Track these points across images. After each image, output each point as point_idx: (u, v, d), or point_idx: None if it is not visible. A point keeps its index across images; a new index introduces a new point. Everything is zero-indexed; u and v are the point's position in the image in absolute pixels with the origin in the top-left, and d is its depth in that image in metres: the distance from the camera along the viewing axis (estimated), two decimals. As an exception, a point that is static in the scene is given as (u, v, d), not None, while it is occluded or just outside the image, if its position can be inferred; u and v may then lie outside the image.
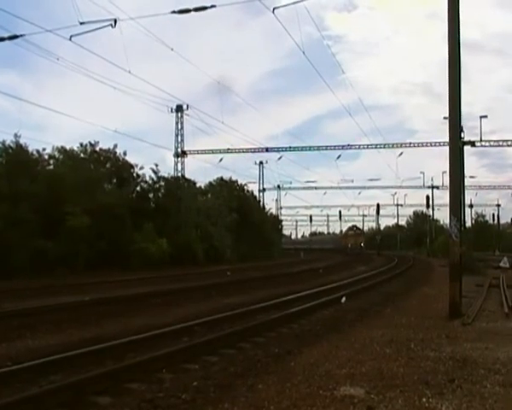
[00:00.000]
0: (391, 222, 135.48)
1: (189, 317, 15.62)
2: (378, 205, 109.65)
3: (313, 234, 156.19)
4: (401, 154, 61.35)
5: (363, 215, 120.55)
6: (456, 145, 16.69)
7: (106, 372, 8.93)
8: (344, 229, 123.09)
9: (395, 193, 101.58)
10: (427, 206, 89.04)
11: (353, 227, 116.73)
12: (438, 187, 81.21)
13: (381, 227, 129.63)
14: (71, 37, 23.40)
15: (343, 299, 20.49)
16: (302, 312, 17.14)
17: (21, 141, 43.82)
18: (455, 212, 16.32)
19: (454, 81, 16.27)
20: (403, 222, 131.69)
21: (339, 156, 62.49)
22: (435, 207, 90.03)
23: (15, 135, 43.58)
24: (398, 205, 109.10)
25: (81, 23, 22.24)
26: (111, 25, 21.75)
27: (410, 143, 60.73)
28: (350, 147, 62.44)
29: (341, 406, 7.28)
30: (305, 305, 18.39)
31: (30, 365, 9.40)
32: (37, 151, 46.17)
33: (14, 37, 23.91)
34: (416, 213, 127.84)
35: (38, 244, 38.09)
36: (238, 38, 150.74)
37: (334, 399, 7.60)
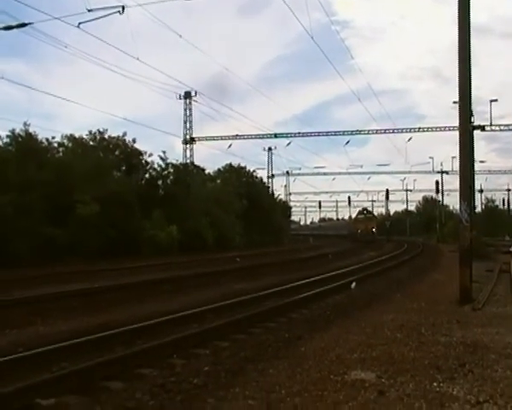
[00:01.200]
0: (400, 208, 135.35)
1: (199, 303, 15.63)
2: (387, 190, 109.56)
3: (322, 220, 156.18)
4: (410, 139, 61.30)
5: (373, 201, 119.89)
6: (466, 130, 16.60)
7: (117, 358, 8.97)
8: (354, 215, 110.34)
9: (404, 178, 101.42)
10: (437, 191, 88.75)
11: (364, 210, 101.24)
12: (447, 172, 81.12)
13: (391, 213, 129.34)
14: (79, 24, 23.38)
15: (353, 284, 20.47)
16: (312, 297, 17.14)
17: (31, 129, 44.03)
18: (465, 197, 16.25)
19: (464, 66, 16.16)
20: (412, 207, 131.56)
21: (348, 142, 62.64)
22: (445, 193, 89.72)
23: (25, 123, 43.78)
24: (407, 190, 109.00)
25: (89, 10, 22.25)
26: (119, 11, 21.72)
27: (420, 128, 60.69)
28: (359, 132, 62.43)
29: (352, 390, 7.28)
30: (315, 290, 18.38)
31: (41, 351, 9.44)
32: (47, 139, 46.32)
33: (22, 25, 23.89)
34: (425, 199, 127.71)
35: (48, 232, 38.19)
36: (246, 23, 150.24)
37: (345, 383, 7.60)
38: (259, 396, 7.04)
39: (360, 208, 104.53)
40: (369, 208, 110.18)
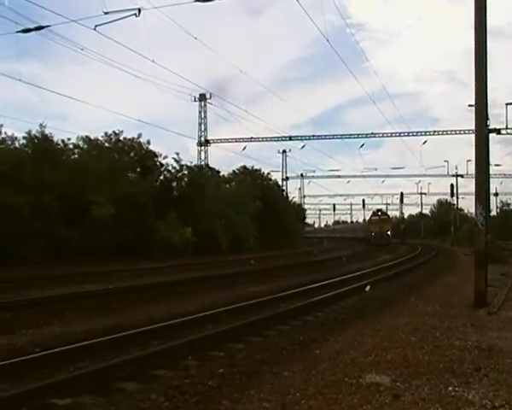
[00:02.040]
0: (414, 211, 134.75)
1: (214, 305, 15.65)
2: (402, 193, 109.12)
3: (336, 223, 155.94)
4: (425, 142, 60.96)
5: (387, 204, 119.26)
6: (482, 133, 16.52)
7: (132, 359, 9.01)
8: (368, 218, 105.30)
9: (419, 181, 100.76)
10: (452, 194, 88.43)
11: (378, 211, 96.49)
12: (462, 175, 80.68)
13: (405, 216, 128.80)
14: (95, 27, 23.50)
15: (367, 287, 20.44)
16: (326, 300, 17.13)
17: (46, 131, 44.33)
18: (480, 200, 16.17)
19: (480, 68, 16.08)
20: (426, 211, 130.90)
21: (362, 145, 62.27)
22: (459, 196, 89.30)
23: (41, 125, 44.10)
24: (421, 194, 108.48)
25: (105, 13, 22.33)
26: (135, 14, 21.79)
27: (434, 132, 60.28)
28: (373, 135, 62.14)
29: (367, 393, 7.27)
30: (330, 293, 18.38)
31: (57, 351, 9.51)
32: (62, 141, 46.65)
33: (40, 28, 24.06)
34: (439, 202, 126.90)
35: (63, 233, 38.43)
36: (261, 26, 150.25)
37: (360, 386, 7.60)
38: (274, 399, 7.05)
39: (374, 209, 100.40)
40: (384, 210, 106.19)
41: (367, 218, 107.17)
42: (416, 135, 59.43)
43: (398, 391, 7.33)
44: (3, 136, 43.49)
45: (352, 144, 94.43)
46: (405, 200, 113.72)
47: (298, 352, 9.93)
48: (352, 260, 42.75)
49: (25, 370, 8.48)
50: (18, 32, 24.26)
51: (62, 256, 36.46)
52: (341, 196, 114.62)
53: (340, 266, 35.15)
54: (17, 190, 36.73)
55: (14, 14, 26.96)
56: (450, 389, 7.44)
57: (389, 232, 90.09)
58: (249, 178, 73.68)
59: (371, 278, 23.22)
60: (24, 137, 44.30)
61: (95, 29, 23.57)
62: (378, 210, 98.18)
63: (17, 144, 44.28)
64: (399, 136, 59.36)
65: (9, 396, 6.90)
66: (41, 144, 43.56)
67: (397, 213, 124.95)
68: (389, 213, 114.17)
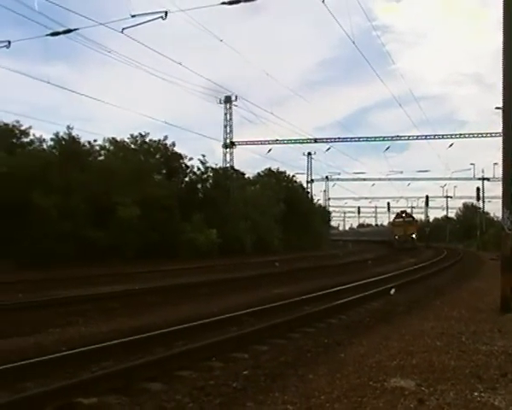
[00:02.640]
0: (440, 214, 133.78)
1: (238, 307, 15.66)
2: (427, 197, 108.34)
3: (361, 226, 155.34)
4: (451, 145, 60.53)
5: (412, 207, 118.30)
6: (510, 136, 16.33)
7: (156, 360, 9.04)
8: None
9: (445, 185, 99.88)
10: (478, 198, 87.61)
11: (402, 213, 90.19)
12: (488, 179, 79.98)
13: (430, 219, 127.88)
14: (123, 29, 23.68)
15: (392, 291, 20.33)
16: (351, 303, 17.05)
17: (73, 133, 44.79)
18: (508, 204, 16.00)
19: (508, 70, 15.91)
20: (452, 214, 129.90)
21: (388, 148, 61.98)
22: (486, 200, 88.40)
23: (68, 127, 44.59)
24: (447, 197, 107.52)
25: (132, 16, 22.47)
26: (161, 17, 21.89)
27: (461, 134, 59.90)
28: (399, 138, 61.89)
29: (392, 397, 7.23)
30: (354, 296, 18.29)
31: (82, 350, 9.58)
32: (89, 142, 47.10)
33: (68, 31, 24.30)
34: (465, 206, 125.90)
35: (89, 234, 38.75)
36: (286, 28, 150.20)
37: (385, 390, 7.55)
38: (299, 401, 7.03)
39: (398, 211, 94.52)
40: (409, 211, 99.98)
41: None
42: (442, 138, 59.11)
43: (423, 396, 7.27)
44: (32, 137, 44.08)
45: (378, 147, 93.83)
46: (431, 203, 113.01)
47: (322, 355, 9.90)
48: (376, 264, 42.56)
49: (51, 369, 8.56)
50: (47, 35, 24.53)
51: (89, 257, 36.77)
52: (366, 198, 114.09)
53: (364, 269, 35.00)
54: (45, 191, 37.13)
55: (44, 17, 27.36)
56: (476, 394, 7.36)
57: (414, 235, 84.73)
58: (274, 180, 73.72)
59: (396, 282, 23.07)
60: (51, 139, 44.86)
61: (122, 32, 23.75)
62: (402, 212, 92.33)
63: (45, 146, 44.83)
64: (425, 138, 59.14)
65: (36, 394, 6.98)
66: (68, 146, 44.02)
67: (422, 217, 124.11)
68: (414, 216, 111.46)
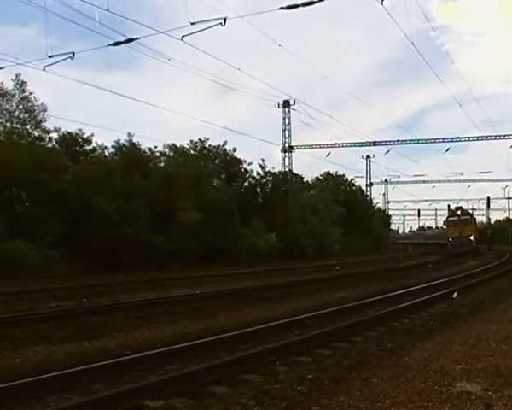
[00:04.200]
0: (501, 216, 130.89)
1: (300, 310, 15.65)
2: (488, 198, 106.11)
3: (421, 228, 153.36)
4: (514, 145, 59.05)
5: (473, 209, 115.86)
6: None
7: (221, 363, 9.11)
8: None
9: (506, 186, 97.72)
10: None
11: (457, 210, 75.35)
12: (552, 180, 77.79)
13: (491, 221, 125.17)
14: (182, 37, 23.96)
15: (455, 294, 20.01)
16: (413, 306, 16.85)
17: (134, 139, 45.61)
18: None
19: None
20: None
21: (448, 149, 60.92)
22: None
23: (129, 134, 45.43)
24: (509, 198, 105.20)
25: (192, 23, 22.71)
26: (220, 23, 22.06)
27: (524, 134, 58.47)
28: (459, 139, 60.83)
29: (458, 402, 7.11)
30: (416, 299, 18.06)
31: (147, 354, 9.72)
32: (150, 149, 47.88)
33: (130, 40, 24.75)
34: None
35: (150, 239, 39.33)
36: (344, 30, 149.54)
37: (451, 395, 7.43)
38: (364, 405, 6.99)
39: (453, 207, 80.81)
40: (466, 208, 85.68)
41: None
42: (504, 138, 57.85)
43: (490, 401, 7.14)
44: (94, 145, 45.05)
45: (437, 148, 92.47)
46: (492, 205, 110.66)
47: (386, 358, 9.81)
48: (437, 267, 41.96)
49: (117, 372, 8.72)
50: (109, 45, 25.07)
51: (151, 262, 37.32)
52: (426, 201, 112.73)
53: (425, 273, 34.52)
54: (108, 197, 37.93)
55: (106, 28, 27.97)
56: (546, 400, 7.20)
57: (472, 237, 70.64)
58: (332, 183, 73.54)
59: (458, 285, 22.69)
60: (113, 146, 45.77)
61: (182, 39, 24.04)
62: (457, 208, 77.07)
63: (106, 153, 45.80)
64: (486, 139, 58.00)
65: (105, 397, 7.12)
66: (129, 153, 44.82)
67: (483, 219, 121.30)
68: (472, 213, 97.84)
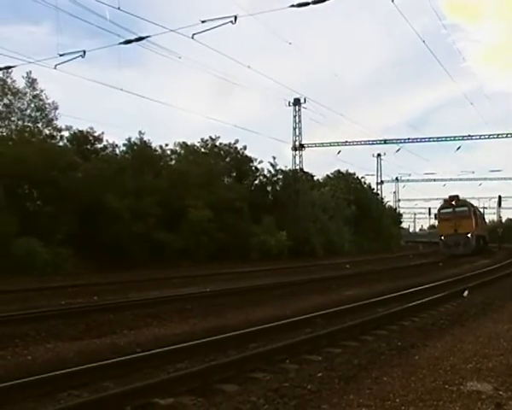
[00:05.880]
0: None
1: (310, 309, 15.59)
2: (500, 197, 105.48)
3: (432, 227, 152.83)
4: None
5: (484, 207, 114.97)
6: None
7: (231, 361, 9.11)
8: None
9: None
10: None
11: (451, 200, 59.31)
12: None
13: (503, 220, 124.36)
14: (193, 35, 23.96)
15: (465, 292, 19.93)
16: (423, 305, 16.77)
17: (145, 138, 45.72)
18: None
19: None
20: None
21: (459, 147, 60.54)
22: None
23: (140, 132, 45.58)
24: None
25: (202, 21, 22.70)
26: (231, 21, 22.03)
27: (535, 132, 58.17)
28: (470, 137, 60.53)
29: (469, 401, 7.09)
30: (427, 298, 17.96)
31: (157, 352, 9.73)
32: (160, 147, 48.04)
33: (140, 38, 24.78)
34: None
35: (161, 236, 39.43)
36: (353, 29, 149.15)
37: (461, 394, 7.41)
38: (373, 404, 6.97)
39: (446, 196, 63.38)
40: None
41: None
42: (515, 136, 57.58)
43: (501, 400, 7.11)
44: (105, 143, 45.19)
45: (448, 147, 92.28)
46: (503, 203, 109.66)
47: (396, 357, 9.78)
48: (448, 265, 41.80)
49: (127, 369, 8.74)
50: (120, 43, 25.10)
51: (161, 260, 37.41)
52: (437, 199, 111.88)
53: (435, 271, 34.43)
54: (119, 194, 38.04)
55: (116, 26, 28.06)
56: (558, 399, 7.17)
57: (470, 235, 56.56)
58: (343, 182, 73.44)
59: (468, 283, 22.57)
60: (124, 144, 45.91)
61: (192, 37, 24.05)
62: (452, 198, 60.36)
63: (117, 151, 45.93)
64: (497, 137, 57.74)
65: (115, 394, 7.15)
66: (140, 151, 44.93)
67: (494, 217, 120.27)
68: (486, 217, 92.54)
